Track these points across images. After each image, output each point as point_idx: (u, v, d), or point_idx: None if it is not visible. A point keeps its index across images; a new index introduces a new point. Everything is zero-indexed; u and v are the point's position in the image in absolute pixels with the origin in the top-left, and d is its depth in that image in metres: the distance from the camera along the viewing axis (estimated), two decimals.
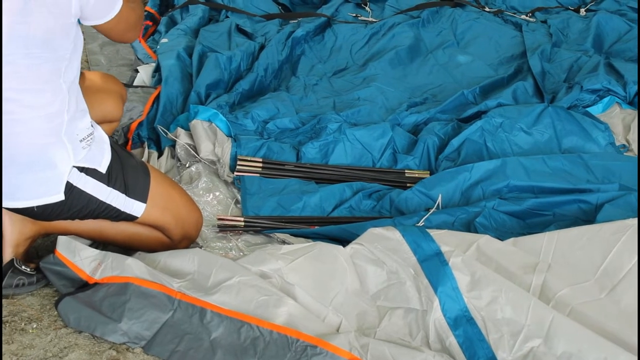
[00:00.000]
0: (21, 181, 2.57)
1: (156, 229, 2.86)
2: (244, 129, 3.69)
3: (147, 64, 4.35)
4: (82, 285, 2.64)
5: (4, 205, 2.63)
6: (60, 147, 2.57)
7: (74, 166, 2.60)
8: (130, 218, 2.78)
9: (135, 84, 4.18)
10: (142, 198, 2.77)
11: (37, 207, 2.62)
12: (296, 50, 4.52)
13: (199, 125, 3.58)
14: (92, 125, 2.69)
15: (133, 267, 2.60)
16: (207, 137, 3.55)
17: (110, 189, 2.68)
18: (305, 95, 4.09)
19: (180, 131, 3.61)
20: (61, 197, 2.61)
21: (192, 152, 3.51)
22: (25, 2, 2.40)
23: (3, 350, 2.47)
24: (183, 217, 2.88)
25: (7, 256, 2.76)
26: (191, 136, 3.58)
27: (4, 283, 2.68)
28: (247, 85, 4.05)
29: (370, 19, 4.92)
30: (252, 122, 3.72)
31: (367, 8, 5.10)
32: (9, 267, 2.70)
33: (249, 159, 3.45)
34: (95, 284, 2.61)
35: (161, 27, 4.79)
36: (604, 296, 2.55)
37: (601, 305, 2.51)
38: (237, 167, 3.41)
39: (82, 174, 2.62)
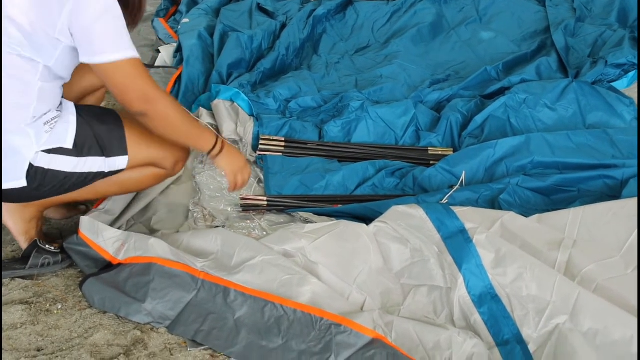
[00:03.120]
0: None
1: (147, 166, 2.79)
2: (266, 108, 3.68)
3: (168, 44, 4.35)
4: (106, 266, 2.65)
5: None
6: (22, 135, 2.51)
7: (39, 151, 2.53)
8: (117, 173, 2.72)
9: (156, 64, 4.18)
10: (122, 152, 2.69)
11: (7, 189, 2.57)
12: (318, 29, 4.50)
13: (221, 104, 3.58)
14: (58, 109, 2.62)
15: (156, 247, 2.60)
16: (229, 116, 3.54)
17: (85, 158, 2.61)
18: (327, 73, 4.08)
19: (203, 111, 3.60)
20: (23, 183, 2.55)
21: (215, 131, 3.50)
22: None
23: (29, 331, 2.49)
24: (168, 145, 2.77)
25: (22, 243, 2.77)
26: (213, 116, 3.58)
27: (30, 263, 2.70)
28: (269, 64, 4.04)
29: None
30: (274, 101, 3.71)
31: None
32: (34, 248, 2.71)
33: (271, 138, 3.44)
34: (119, 264, 2.62)
35: (182, 7, 4.79)
36: (630, 272, 2.53)
37: (627, 281, 2.49)
38: (260, 146, 3.40)
39: (51, 154, 2.55)
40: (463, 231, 2.63)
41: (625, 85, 3.81)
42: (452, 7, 4.69)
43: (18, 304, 2.59)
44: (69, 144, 2.57)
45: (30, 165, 2.52)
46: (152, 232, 2.92)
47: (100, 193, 2.82)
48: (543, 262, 2.53)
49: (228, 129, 3.47)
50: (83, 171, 2.62)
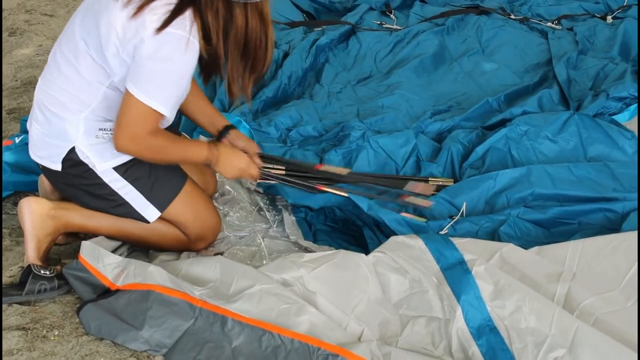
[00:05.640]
0: (33, 133, 2.81)
1: (174, 226, 2.89)
2: (267, 137, 3.69)
3: None
4: (104, 292, 2.64)
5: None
6: (73, 125, 2.70)
7: (79, 147, 2.72)
8: (141, 219, 2.85)
9: None
10: (160, 207, 2.83)
11: (42, 166, 2.82)
12: (320, 58, 4.50)
13: None
14: None
15: (155, 275, 2.59)
16: None
17: (126, 183, 2.78)
18: (329, 102, 4.08)
19: (203, 138, 3.60)
20: (58, 167, 2.76)
21: (206, 144, 3.49)
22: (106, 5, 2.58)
23: (25, 357, 2.48)
24: (202, 217, 2.91)
25: (30, 252, 2.78)
26: None
27: (26, 289, 2.69)
28: (271, 93, 4.05)
29: (394, 26, 4.91)
30: (275, 130, 3.72)
31: (391, 16, 5.07)
32: (28, 274, 2.71)
33: (271, 166, 3.44)
34: (117, 290, 2.61)
35: None
36: (630, 306, 2.52)
37: (627, 315, 2.48)
38: (261, 173, 3.39)
39: (91, 151, 2.74)
40: (462, 262, 2.62)
41: (627, 118, 3.81)
42: (455, 38, 4.70)
43: (15, 329, 2.58)
44: (102, 166, 2.75)
45: (70, 152, 2.72)
46: (152, 258, 2.91)
47: (123, 233, 2.90)
48: (542, 295, 2.52)
49: None
50: (117, 191, 2.78)
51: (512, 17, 4.98)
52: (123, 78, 2.62)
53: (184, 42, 2.52)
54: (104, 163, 2.74)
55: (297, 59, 4.34)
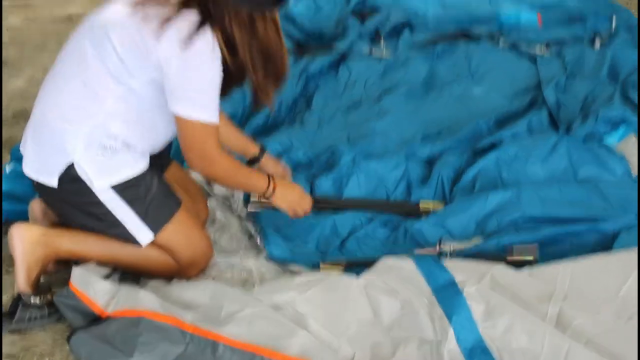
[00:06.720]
0: (29, 152, 2.79)
1: (165, 252, 2.87)
2: None
3: None
4: (95, 319, 2.63)
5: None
6: (74, 139, 2.68)
7: (78, 162, 2.71)
8: (133, 242, 2.83)
9: None
10: (155, 228, 2.82)
11: (36, 183, 2.80)
12: (310, 85, 4.51)
13: None
14: (127, 145, 2.74)
15: (145, 300, 2.59)
16: None
17: (122, 202, 2.75)
18: (319, 129, 4.08)
19: None
20: (54, 182, 2.73)
21: (205, 188, 3.50)
22: (128, 15, 2.61)
23: None
24: (194, 243, 2.91)
25: (21, 279, 2.76)
26: None
27: (16, 318, 2.68)
28: (261, 120, 4.06)
29: (384, 53, 4.92)
30: None
31: (381, 43, 5.08)
32: (18, 302, 2.70)
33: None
34: (108, 317, 2.60)
35: None
36: (622, 325, 2.52)
37: (619, 335, 2.48)
38: (251, 201, 3.39)
39: (89, 171, 2.72)
40: (453, 283, 2.62)
41: (616, 140, 3.81)
42: (445, 63, 4.71)
43: (5, 358, 2.57)
44: (101, 183, 2.72)
45: (69, 168, 2.70)
46: (143, 285, 2.90)
47: (112, 258, 2.88)
48: (533, 315, 2.52)
49: (219, 185, 3.46)
50: (111, 210, 2.75)
51: (501, 43, 4.99)
52: (144, 83, 2.65)
53: (209, 48, 2.56)
54: (102, 180, 2.72)
55: (288, 86, 4.33)
